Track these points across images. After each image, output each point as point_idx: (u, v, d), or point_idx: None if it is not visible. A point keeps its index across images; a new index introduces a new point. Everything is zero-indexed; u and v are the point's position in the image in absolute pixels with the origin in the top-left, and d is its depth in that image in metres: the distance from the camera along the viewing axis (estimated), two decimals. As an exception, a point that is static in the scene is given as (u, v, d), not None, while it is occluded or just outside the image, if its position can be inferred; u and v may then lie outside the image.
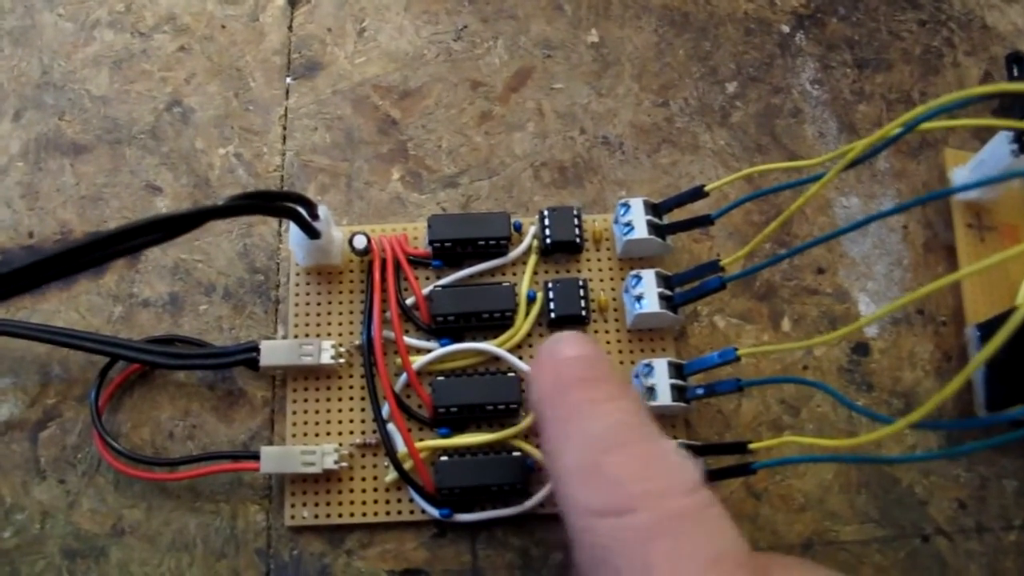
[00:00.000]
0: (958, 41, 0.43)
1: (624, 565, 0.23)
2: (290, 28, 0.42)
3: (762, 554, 0.24)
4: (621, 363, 0.36)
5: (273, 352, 0.35)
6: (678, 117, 0.41)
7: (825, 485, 0.36)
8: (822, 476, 0.36)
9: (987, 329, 0.36)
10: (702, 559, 0.22)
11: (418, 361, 0.35)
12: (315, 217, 0.34)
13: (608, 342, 0.36)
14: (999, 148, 0.36)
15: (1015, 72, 0.41)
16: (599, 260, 0.38)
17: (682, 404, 0.34)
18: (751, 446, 0.32)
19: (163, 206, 0.39)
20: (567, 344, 0.28)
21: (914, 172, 0.40)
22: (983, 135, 0.40)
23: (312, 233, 0.34)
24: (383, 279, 0.36)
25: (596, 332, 0.36)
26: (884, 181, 0.40)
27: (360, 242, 0.36)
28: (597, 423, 0.25)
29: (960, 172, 0.39)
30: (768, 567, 0.24)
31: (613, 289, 0.37)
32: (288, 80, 0.41)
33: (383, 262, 0.36)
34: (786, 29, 0.43)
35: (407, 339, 0.35)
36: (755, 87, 0.41)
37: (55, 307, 0.37)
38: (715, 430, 0.36)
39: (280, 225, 0.38)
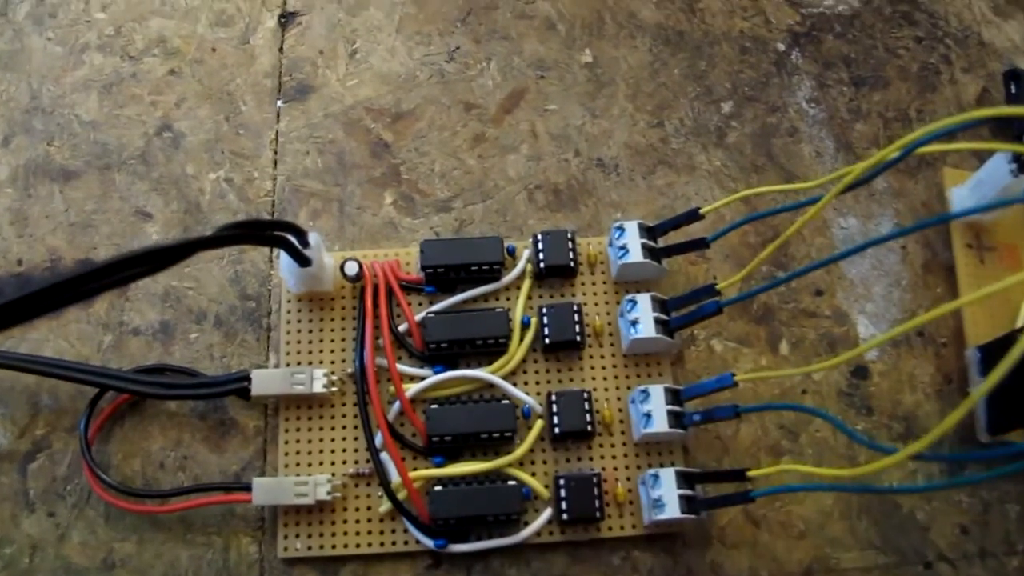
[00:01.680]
0: (955, 58, 0.42)
1: None
2: (281, 50, 0.41)
3: None
4: (617, 388, 0.36)
5: (265, 381, 0.34)
6: (673, 138, 0.40)
7: (825, 511, 0.35)
8: (822, 502, 0.35)
9: (988, 351, 0.36)
10: None
11: (411, 389, 0.35)
12: (305, 245, 0.33)
13: (604, 367, 0.36)
14: (998, 167, 0.36)
15: (1012, 88, 0.41)
16: (594, 284, 0.37)
17: (679, 431, 0.34)
18: (749, 474, 0.32)
19: (153, 232, 0.38)
20: None
21: (912, 191, 0.40)
22: (982, 154, 0.40)
23: (303, 261, 0.34)
24: (375, 305, 0.35)
25: (591, 357, 0.36)
26: (882, 201, 0.40)
27: (352, 268, 0.35)
28: None
29: (959, 191, 0.39)
30: None
31: (608, 313, 0.37)
32: (279, 103, 0.41)
33: (375, 288, 0.36)
34: (782, 47, 0.42)
35: (400, 366, 0.35)
36: (751, 106, 0.41)
37: (44, 336, 0.37)
38: (713, 456, 0.36)
39: (271, 251, 0.38)
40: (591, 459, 0.35)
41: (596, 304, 0.37)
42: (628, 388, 0.36)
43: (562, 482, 0.33)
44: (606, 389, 0.36)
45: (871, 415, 0.36)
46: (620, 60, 0.42)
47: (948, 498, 0.35)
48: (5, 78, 0.41)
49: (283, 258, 0.35)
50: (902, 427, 0.36)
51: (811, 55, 0.42)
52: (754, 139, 0.40)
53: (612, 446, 0.35)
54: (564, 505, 0.33)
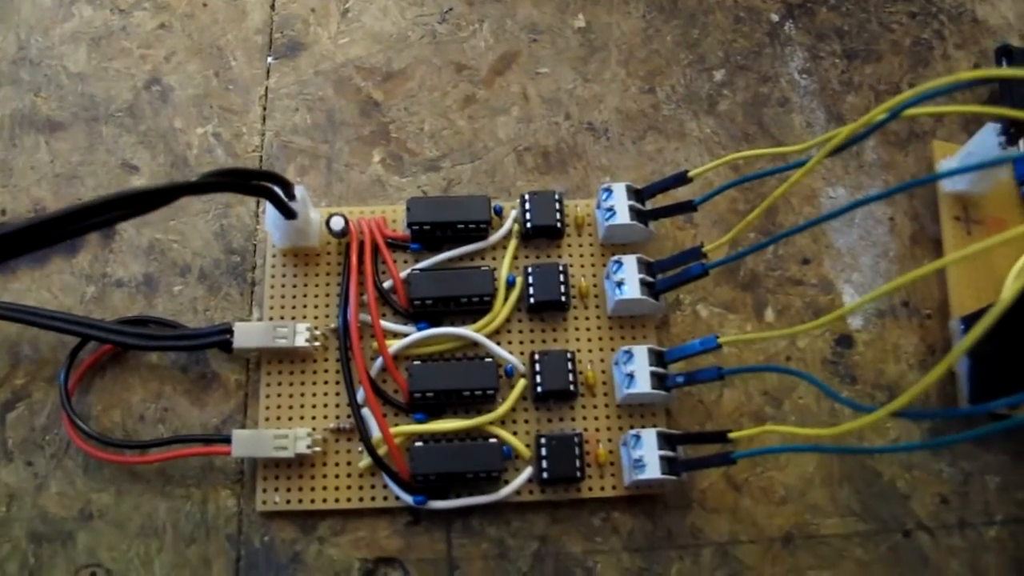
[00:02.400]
0: (948, 34, 0.42)
1: None
2: (272, 7, 0.41)
3: None
4: (601, 350, 0.36)
5: (247, 334, 0.34)
6: (665, 104, 0.40)
7: (807, 478, 0.35)
8: (804, 468, 0.35)
9: (972, 322, 0.36)
10: None
11: (394, 345, 0.34)
12: (291, 197, 0.33)
13: (588, 329, 0.36)
14: (987, 139, 0.36)
15: (1004, 64, 0.41)
16: (581, 246, 0.37)
17: (662, 392, 0.33)
18: (731, 435, 0.32)
19: (139, 184, 0.38)
20: None
21: (902, 164, 0.40)
22: (971, 128, 0.40)
23: (288, 213, 0.33)
24: (360, 262, 0.35)
25: (576, 319, 0.36)
26: (872, 172, 0.40)
27: (337, 223, 0.35)
28: None
29: (948, 163, 0.39)
30: None
31: (595, 275, 0.37)
32: (269, 60, 0.40)
33: (361, 244, 0.36)
34: (775, 18, 0.42)
35: (384, 323, 0.35)
36: (743, 75, 0.41)
37: (27, 286, 0.37)
38: (696, 420, 0.36)
39: (258, 206, 0.38)
40: (573, 420, 0.35)
41: (582, 266, 0.37)
42: (612, 350, 0.36)
43: (543, 441, 0.33)
44: (590, 351, 0.36)
45: (855, 384, 0.36)
46: (613, 26, 0.41)
47: (928, 468, 0.36)
48: (-7, 28, 0.41)
49: (269, 211, 0.34)
50: (885, 396, 0.36)
51: (804, 26, 0.42)
52: (745, 108, 0.40)
53: (595, 407, 0.35)
54: (545, 464, 0.33)
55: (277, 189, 0.32)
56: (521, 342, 0.36)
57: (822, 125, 0.40)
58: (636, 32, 0.41)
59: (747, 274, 0.38)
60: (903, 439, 0.36)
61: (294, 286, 0.36)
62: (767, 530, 0.35)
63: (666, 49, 0.41)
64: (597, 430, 0.35)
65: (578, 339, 0.36)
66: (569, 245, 0.37)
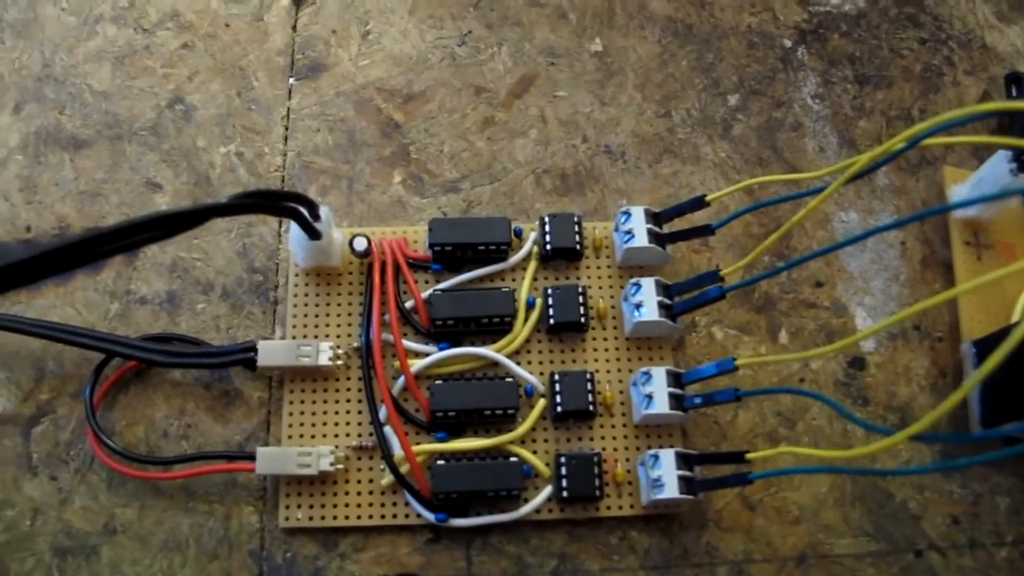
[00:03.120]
0: (958, 60, 0.43)
1: None
2: (294, 28, 0.42)
3: None
4: (619, 371, 0.36)
5: (271, 352, 0.35)
6: (680, 128, 0.41)
7: (820, 498, 0.36)
8: (817, 489, 0.36)
9: (983, 346, 0.36)
10: None
11: (416, 364, 0.35)
12: (317, 218, 0.34)
13: (607, 349, 0.36)
14: (998, 166, 0.37)
15: (1014, 92, 0.41)
16: (599, 268, 0.38)
17: (679, 413, 0.34)
18: (748, 456, 0.32)
19: (163, 203, 0.38)
20: None
21: (913, 189, 0.41)
22: (982, 154, 0.41)
23: (313, 234, 0.34)
24: (383, 281, 0.36)
25: (594, 339, 0.36)
26: (883, 197, 0.40)
27: (360, 244, 0.36)
28: None
29: (959, 190, 0.39)
30: None
31: (612, 297, 0.37)
32: (291, 80, 0.41)
33: (383, 264, 0.36)
34: (788, 44, 0.43)
35: (405, 342, 0.35)
36: (757, 100, 0.42)
37: (51, 302, 0.37)
38: (711, 440, 0.36)
39: (280, 225, 0.38)
40: (591, 439, 0.35)
41: (600, 288, 0.37)
42: (630, 371, 0.36)
43: (563, 460, 0.34)
44: (608, 371, 0.36)
45: (867, 405, 0.37)
46: (629, 50, 0.42)
47: (940, 489, 0.36)
48: (18, 46, 0.41)
49: (293, 231, 0.35)
50: (896, 418, 0.37)
51: (817, 52, 0.43)
52: (759, 132, 0.41)
53: (612, 427, 0.35)
54: (564, 483, 0.34)
55: (303, 210, 0.33)
56: (540, 362, 0.36)
57: (835, 150, 0.41)
58: (652, 56, 0.42)
59: (761, 297, 0.38)
60: (914, 461, 0.36)
61: (316, 305, 0.36)
62: (781, 549, 0.35)
63: (681, 73, 0.42)
64: (615, 450, 0.35)
65: (596, 360, 0.36)
66: (587, 267, 0.37)
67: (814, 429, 0.37)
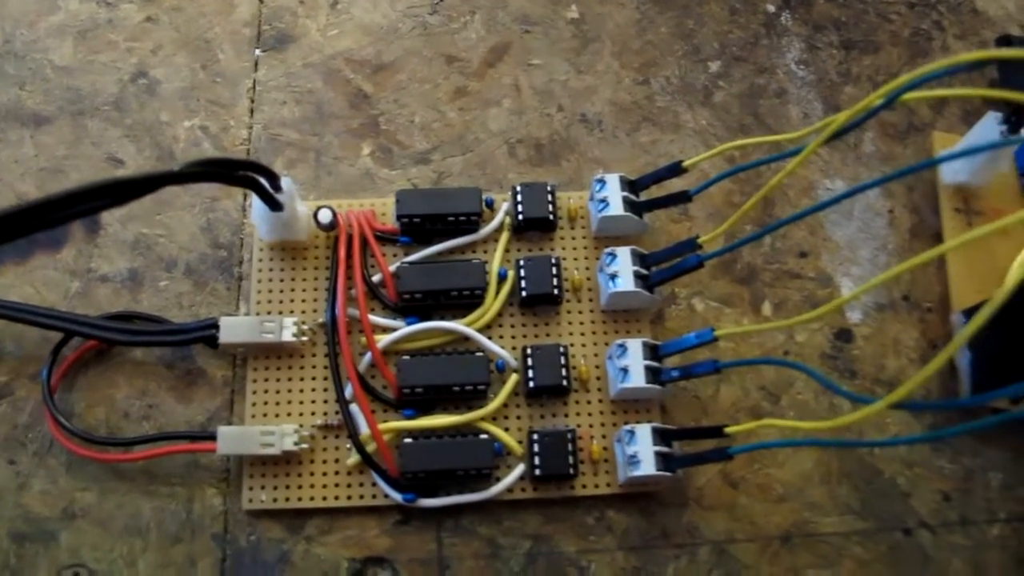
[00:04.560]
0: (948, 24, 0.42)
1: None
2: (261, 0, 0.40)
3: None
4: (595, 344, 0.35)
5: (233, 329, 0.34)
6: (659, 96, 0.40)
7: (805, 475, 0.35)
8: (802, 466, 0.35)
9: (973, 315, 0.35)
10: None
11: (383, 340, 0.34)
12: (278, 189, 0.33)
13: (581, 323, 0.35)
14: (989, 129, 0.35)
15: (1006, 54, 0.40)
16: (574, 239, 0.36)
17: (657, 387, 0.33)
18: (727, 430, 0.31)
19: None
20: None
21: (901, 155, 0.39)
22: (971, 120, 0.39)
23: (274, 205, 0.33)
24: (349, 255, 0.35)
25: (569, 312, 0.35)
26: (870, 164, 0.39)
27: (325, 216, 0.34)
28: None
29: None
30: None
31: (588, 268, 0.36)
32: (257, 52, 0.40)
33: (349, 238, 0.35)
34: (772, 8, 0.42)
35: (373, 317, 0.34)
36: (739, 66, 0.40)
37: (10, 281, 0.36)
38: (691, 416, 0.35)
39: (245, 200, 0.37)
40: (566, 416, 0.34)
41: (576, 259, 0.36)
42: (606, 345, 0.35)
43: (535, 437, 0.33)
44: (583, 345, 0.35)
45: (854, 378, 0.36)
46: (606, 17, 0.41)
47: (930, 464, 0.35)
48: (-23, 21, 0.40)
49: (255, 204, 0.34)
50: (885, 391, 0.35)
51: (801, 17, 0.41)
52: (741, 99, 0.40)
53: (588, 403, 0.34)
54: (537, 461, 0.32)
55: (263, 180, 0.32)
56: (513, 336, 0.35)
57: (819, 116, 0.40)
58: (630, 23, 0.41)
59: (744, 268, 0.37)
60: (903, 435, 0.35)
61: (281, 280, 0.35)
62: (765, 528, 0.34)
63: (660, 40, 0.41)
64: (591, 426, 0.34)
65: (571, 333, 0.35)
66: (562, 238, 0.36)
67: (799, 404, 0.35)
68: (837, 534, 0.34)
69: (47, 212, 0.28)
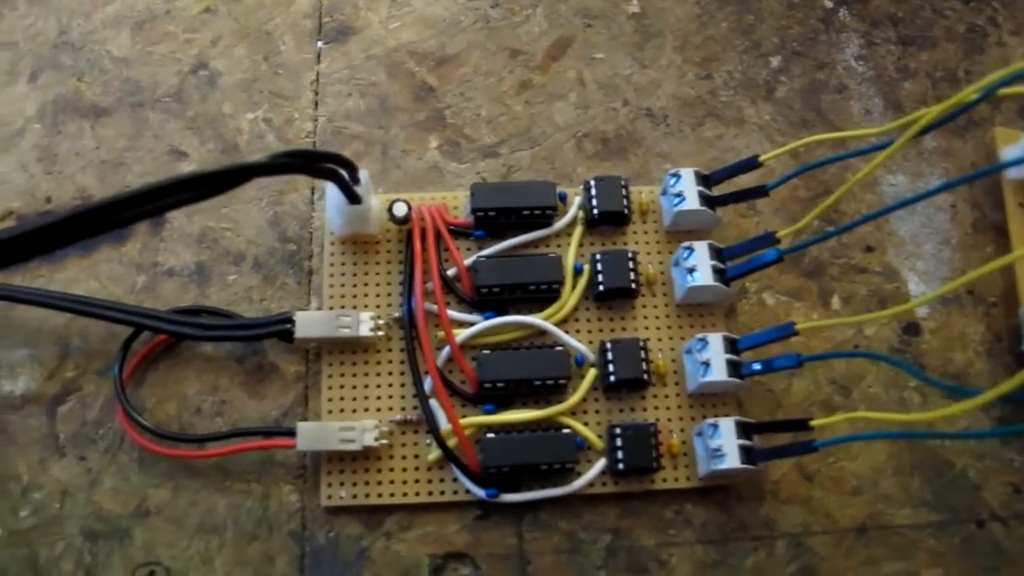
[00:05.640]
0: (1002, 20, 0.42)
1: None
2: (320, -9, 0.40)
3: None
4: (670, 339, 0.35)
5: (309, 324, 0.33)
6: (722, 90, 0.40)
7: (878, 467, 0.35)
8: (875, 458, 0.35)
9: (1044, 308, 0.35)
10: None
11: (462, 334, 0.33)
12: (356, 181, 0.32)
13: (656, 317, 0.35)
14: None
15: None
16: (645, 232, 0.36)
17: (737, 380, 0.33)
18: (812, 423, 0.31)
19: (189, 171, 0.37)
20: None
21: (961, 151, 0.39)
22: (1029, 114, 0.40)
23: (353, 198, 0.32)
24: (423, 249, 0.34)
25: (643, 307, 0.35)
26: (931, 160, 0.39)
27: (400, 210, 0.34)
28: None
29: (1011, 150, 0.38)
30: None
31: (661, 263, 0.36)
32: (319, 44, 0.39)
33: (423, 231, 0.35)
34: (829, 4, 0.42)
35: (448, 311, 0.34)
36: (799, 62, 0.40)
37: (75, 275, 0.35)
38: (766, 410, 0.35)
39: (313, 193, 0.37)
40: (644, 410, 0.34)
41: (648, 253, 0.36)
42: (681, 338, 0.35)
43: (618, 431, 0.32)
44: (659, 339, 0.35)
45: (922, 371, 0.36)
46: (667, 11, 0.41)
47: (1000, 457, 0.35)
48: (32, 12, 0.39)
49: (330, 197, 0.33)
50: (953, 384, 0.36)
51: (858, 13, 0.42)
52: (803, 95, 0.40)
53: (666, 397, 0.34)
54: (620, 455, 0.32)
55: (343, 172, 0.31)
56: (589, 331, 0.35)
57: (880, 112, 0.40)
58: (691, 18, 0.41)
59: (811, 262, 0.37)
60: (973, 428, 0.35)
61: (354, 275, 0.35)
62: (840, 521, 0.34)
63: (721, 35, 0.41)
64: (669, 420, 0.34)
65: (647, 327, 0.35)
66: (634, 232, 0.36)
67: (870, 396, 0.36)
68: (911, 526, 0.34)
69: (135, 205, 0.27)
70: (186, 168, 0.37)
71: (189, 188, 0.28)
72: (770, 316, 0.36)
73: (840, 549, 0.34)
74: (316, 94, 0.38)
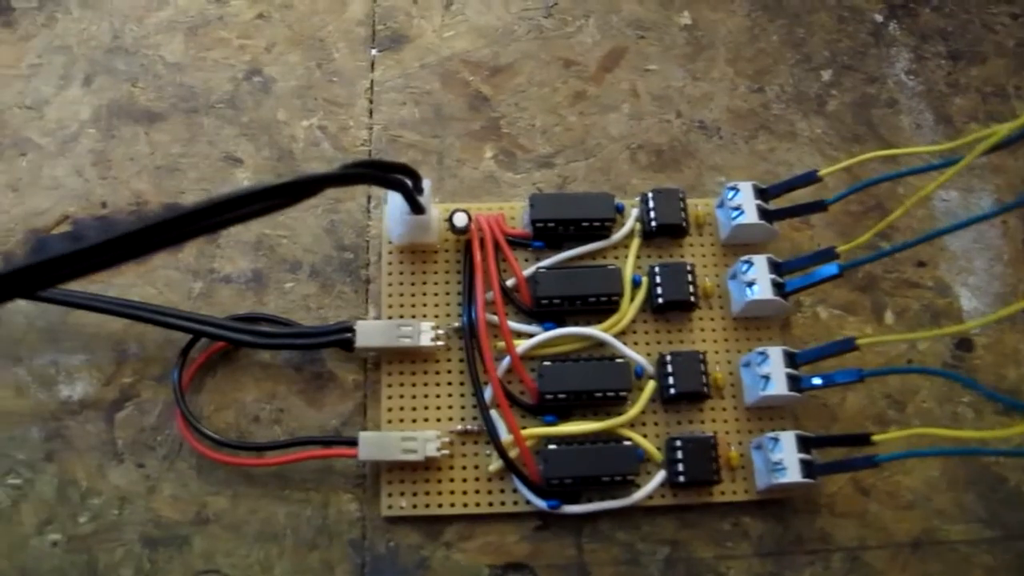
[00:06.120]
0: (1050, 36, 0.42)
1: None
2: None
3: None
4: (727, 351, 0.35)
5: (369, 333, 0.33)
6: (774, 103, 0.40)
7: (932, 483, 0.35)
8: (928, 473, 0.35)
9: (1098, 325, 0.35)
10: None
11: (522, 345, 0.34)
12: (420, 191, 0.32)
13: (714, 330, 0.35)
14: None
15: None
16: (701, 245, 0.36)
17: (795, 394, 0.33)
18: (874, 438, 0.31)
19: (244, 178, 0.37)
20: None
21: (1012, 168, 0.40)
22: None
23: (417, 208, 0.32)
24: (483, 259, 0.34)
25: (700, 319, 0.35)
26: (983, 176, 0.39)
27: (461, 220, 0.34)
28: None
29: (1063, 167, 0.38)
30: None
31: (717, 275, 0.36)
32: (373, 52, 0.39)
33: (481, 241, 0.35)
34: (879, 18, 0.42)
35: (509, 322, 0.34)
36: (849, 75, 0.41)
37: (131, 281, 0.35)
38: (821, 423, 0.35)
39: (369, 202, 0.37)
40: (702, 422, 0.34)
41: (704, 265, 0.36)
42: (738, 351, 0.35)
43: (678, 443, 0.33)
44: (715, 352, 0.35)
45: (988, 389, 0.36)
46: (719, 24, 0.41)
47: (1053, 473, 0.35)
48: (85, 16, 0.39)
49: (391, 206, 0.34)
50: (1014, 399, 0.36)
51: (908, 27, 0.42)
52: (854, 109, 0.40)
53: (723, 409, 0.34)
54: (680, 468, 0.32)
55: (410, 182, 0.31)
56: (647, 343, 0.35)
57: (931, 127, 0.40)
58: (742, 30, 0.41)
59: (864, 276, 0.37)
60: (1026, 444, 0.35)
61: (412, 284, 0.35)
62: (896, 535, 0.34)
63: (772, 48, 0.41)
64: (727, 432, 0.34)
65: (703, 340, 0.35)
66: (690, 244, 0.36)
67: (924, 412, 0.36)
68: (965, 542, 0.34)
69: (205, 217, 0.27)
70: (241, 175, 0.37)
71: (263, 199, 0.28)
72: (823, 330, 0.36)
73: (895, 564, 0.34)
74: (371, 102, 0.38)
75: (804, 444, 0.32)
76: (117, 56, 0.38)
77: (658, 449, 0.33)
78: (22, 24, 0.39)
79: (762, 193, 0.35)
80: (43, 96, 0.38)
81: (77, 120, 0.37)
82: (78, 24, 0.39)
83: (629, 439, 0.33)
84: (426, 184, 0.33)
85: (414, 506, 0.32)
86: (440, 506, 0.33)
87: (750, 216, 0.35)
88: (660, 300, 0.34)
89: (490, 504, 0.33)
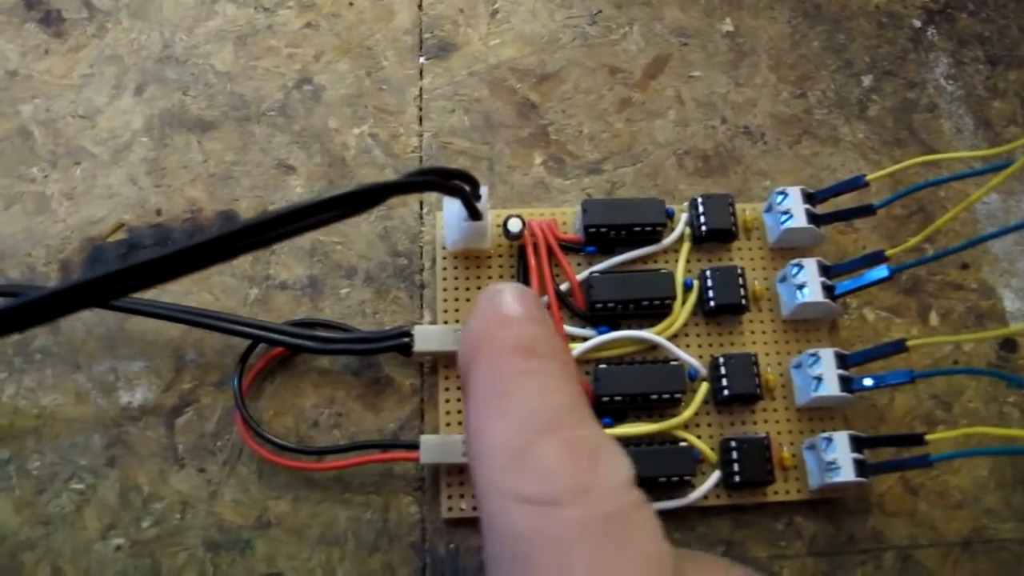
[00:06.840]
0: (1084, 40, 0.43)
1: (542, 560, 0.20)
2: (420, 7, 0.41)
3: (681, 552, 0.22)
4: (777, 354, 0.35)
5: (427, 337, 0.34)
6: (817, 109, 0.40)
7: (980, 482, 0.35)
8: (977, 472, 0.35)
9: None
10: (624, 566, 0.20)
11: (579, 348, 0.34)
12: (478, 198, 0.33)
13: (764, 332, 0.36)
14: None
15: None
16: (749, 249, 0.37)
17: (847, 395, 0.33)
18: (928, 437, 0.32)
19: (297, 185, 0.37)
20: (510, 299, 0.24)
21: (1050, 169, 0.40)
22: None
23: (475, 214, 0.33)
24: (537, 264, 0.35)
25: (750, 322, 0.36)
26: (1022, 178, 0.40)
27: (515, 225, 0.35)
28: (534, 400, 0.22)
29: (1103, 169, 0.39)
30: (683, 568, 0.21)
31: (766, 279, 0.36)
32: (421, 60, 0.40)
33: (535, 246, 0.35)
34: (917, 24, 0.42)
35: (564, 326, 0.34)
36: (890, 81, 0.41)
37: (187, 288, 0.36)
38: (870, 424, 0.36)
39: (422, 208, 0.37)
40: (754, 423, 0.35)
41: (753, 269, 0.36)
42: (788, 353, 0.35)
43: (733, 444, 0.33)
44: (767, 354, 0.35)
45: (1021, 388, 0.36)
46: (760, 31, 0.41)
47: (1100, 471, 0.36)
48: (135, 27, 0.40)
49: (448, 212, 0.34)
50: (1053, 400, 0.36)
51: (946, 32, 0.42)
52: (895, 113, 0.40)
53: (775, 410, 0.35)
54: (735, 468, 0.33)
55: (468, 189, 0.32)
56: (699, 345, 0.35)
57: (971, 131, 0.40)
58: (783, 37, 0.41)
59: (909, 279, 0.38)
60: (1074, 443, 0.36)
61: (467, 289, 0.35)
62: (946, 534, 0.34)
63: (813, 54, 0.41)
64: (779, 433, 0.34)
65: (754, 342, 0.35)
66: (739, 248, 0.37)
67: (971, 411, 0.36)
68: (1016, 540, 0.35)
69: (272, 228, 0.28)
70: (294, 182, 0.37)
71: (331, 208, 0.28)
72: (871, 332, 0.37)
73: (947, 562, 0.34)
74: (420, 110, 0.39)
75: (857, 444, 0.33)
76: (168, 65, 0.39)
77: (712, 450, 0.34)
78: (73, 35, 0.39)
79: (810, 197, 0.36)
80: (95, 106, 0.38)
81: (130, 129, 0.38)
82: (128, 34, 0.39)
83: (684, 440, 0.33)
84: (484, 191, 0.33)
85: (474, 508, 0.33)
86: (499, 508, 0.33)
87: (799, 220, 0.35)
88: (712, 303, 0.35)
89: (549, 506, 0.33)
